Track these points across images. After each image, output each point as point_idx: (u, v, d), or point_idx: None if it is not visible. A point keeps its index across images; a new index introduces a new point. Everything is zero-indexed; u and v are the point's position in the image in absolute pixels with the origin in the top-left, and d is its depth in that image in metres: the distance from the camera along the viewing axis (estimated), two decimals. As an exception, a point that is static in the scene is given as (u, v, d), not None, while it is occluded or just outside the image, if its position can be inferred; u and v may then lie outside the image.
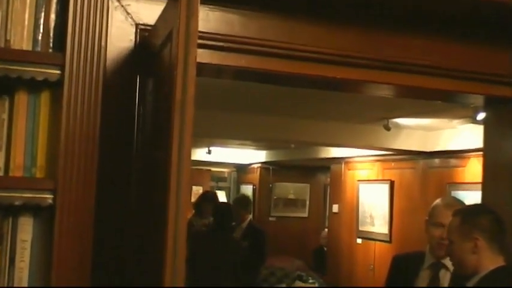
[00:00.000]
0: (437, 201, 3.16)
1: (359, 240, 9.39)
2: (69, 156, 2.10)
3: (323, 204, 12.55)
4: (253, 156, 12.39)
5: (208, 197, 7.64)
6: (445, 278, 3.05)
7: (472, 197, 5.33)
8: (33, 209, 2.11)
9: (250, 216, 7.18)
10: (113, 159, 2.27)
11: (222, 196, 12.74)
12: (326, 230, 10.92)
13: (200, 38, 1.83)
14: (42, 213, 2.12)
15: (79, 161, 2.12)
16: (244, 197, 7.71)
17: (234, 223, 6.45)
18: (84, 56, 2.11)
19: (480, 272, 2.60)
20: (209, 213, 6.77)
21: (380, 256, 8.77)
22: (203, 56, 2.32)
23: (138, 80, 2.32)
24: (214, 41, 2.39)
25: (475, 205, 2.98)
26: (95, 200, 2.14)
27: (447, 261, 2.99)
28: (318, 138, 8.02)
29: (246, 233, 6.61)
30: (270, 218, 12.44)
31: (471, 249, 2.61)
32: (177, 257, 1.69)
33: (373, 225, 9.07)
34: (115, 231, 2.26)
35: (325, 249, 10.53)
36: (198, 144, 10.44)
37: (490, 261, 2.61)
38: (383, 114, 6.76)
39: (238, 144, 10.95)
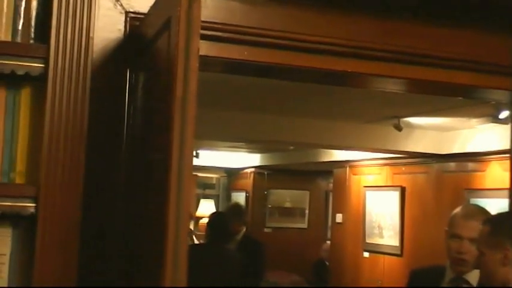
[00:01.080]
0: (457, 210, 3.17)
1: (366, 254, 9.42)
2: (52, 159, 2.11)
3: (324, 213, 12.59)
4: (246, 159, 12.40)
5: None
6: (468, 294, 3.07)
7: (493, 205, 5.35)
8: (12, 219, 2.11)
9: (245, 228, 7.14)
10: (101, 162, 2.28)
11: (210, 205, 12.74)
12: (328, 242, 10.95)
13: (198, 27, 1.84)
14: (22, 223, 2.13)
15: (64, 165, 2.12)
16: (237, 206, 7.65)
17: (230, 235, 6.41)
18: (70, 48, 2.11)
19: (510, 286, 2.62)
20: None
21: (389, 271, 8.80)
22: (200, 47, 2.33)
23: (128, 74, 2.33)
24: (212, 31, 2.39)
25: (506, 213, 3.00)
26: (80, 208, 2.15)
27: (469, 276, 3.02)
28: (320, 139, 8.02)
29: (242, 247, 6.59)
30: (265, 229, 12.46)
31: (501, 260, 2.63)
32: (177, 273, 1.71)
33: (381, 236, 9.10)
34: (103, 242, 2.27)
35: (327, 263, 10.55)
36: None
37: None
38: (393, 112, 6.77)
39: (230, 147, 10.95)
